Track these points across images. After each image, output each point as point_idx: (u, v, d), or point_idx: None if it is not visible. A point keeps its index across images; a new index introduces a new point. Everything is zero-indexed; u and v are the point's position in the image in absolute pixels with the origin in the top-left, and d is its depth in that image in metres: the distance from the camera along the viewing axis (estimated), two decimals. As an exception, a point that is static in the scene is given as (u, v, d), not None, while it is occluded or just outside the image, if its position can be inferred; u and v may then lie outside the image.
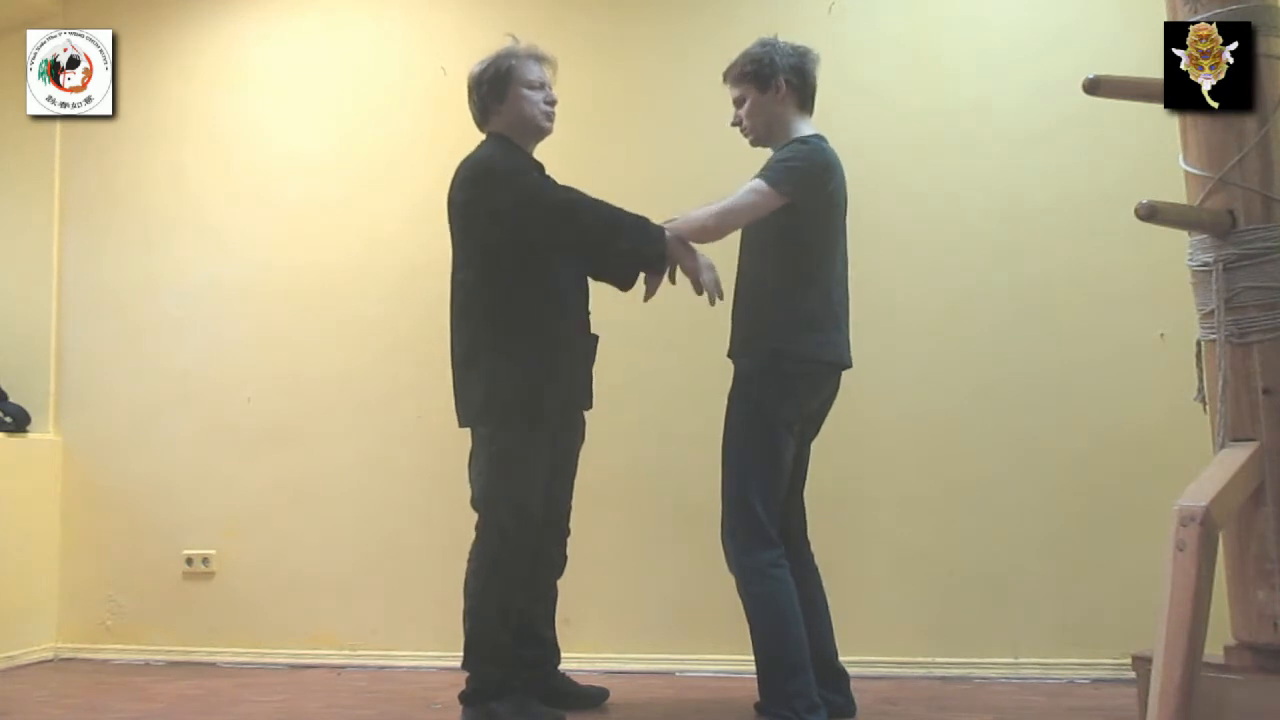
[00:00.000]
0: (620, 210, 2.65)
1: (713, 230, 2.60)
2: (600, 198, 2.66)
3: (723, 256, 2.68)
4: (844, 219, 2.66)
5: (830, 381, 2.67)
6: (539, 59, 2.77)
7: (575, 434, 2.85)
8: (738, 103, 2.72)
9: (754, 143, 2.72)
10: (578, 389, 2.79)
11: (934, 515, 3.28)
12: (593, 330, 2.84)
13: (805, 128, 2.67)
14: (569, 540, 2.87)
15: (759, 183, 2.54)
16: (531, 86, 2.73)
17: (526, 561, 2.66)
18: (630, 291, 2.73)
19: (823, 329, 2.58)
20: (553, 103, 2.78)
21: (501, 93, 2.73)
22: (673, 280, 2.70)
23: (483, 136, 2.80)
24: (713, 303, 2.62)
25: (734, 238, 2.68)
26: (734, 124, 2.74)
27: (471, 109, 2.79)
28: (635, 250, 2.64)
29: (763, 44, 2.68)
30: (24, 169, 3.99)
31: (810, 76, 2.68)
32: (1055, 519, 3.19)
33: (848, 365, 2.67)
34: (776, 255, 2.59)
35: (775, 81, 2.64)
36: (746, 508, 2.54)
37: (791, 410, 2.58)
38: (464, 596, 2.66)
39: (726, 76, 2.73)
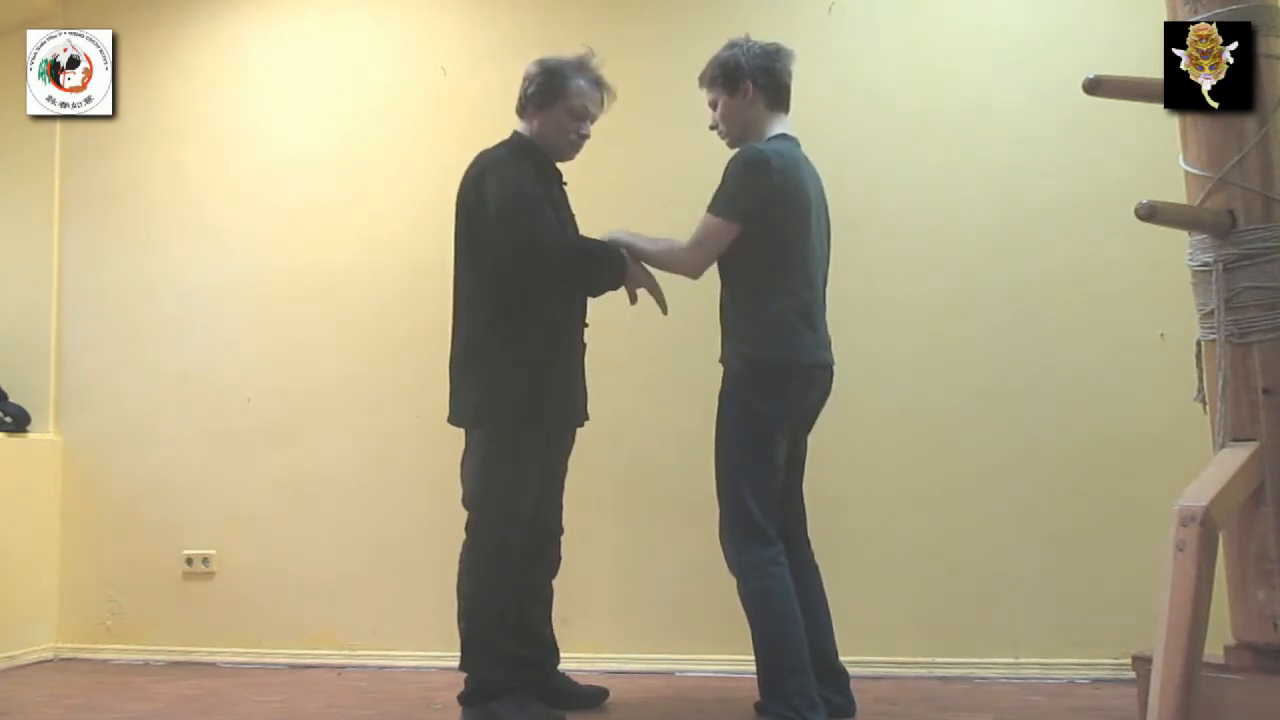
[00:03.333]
0: (587, 241, 2.68)
1: (686, 269, 2.66)
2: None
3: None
4: (808, 217, 2.62)
5: (819, 381, 2.67)
6: (598, 86, 2.75)
7: (567, 436, 2.85)
8: (712, 106, 2.74)
9: (730, 145, 2.72)
10: (575, 395, 2.79)
11: (933, 515, 3.28)
12: (589, 334, 2.84)
13: (778, 127, 2.68)
14: (562, 539, 2.87)
15: (709, 217, 2.58)
16: (573, 114, 2.72)
17: (519, 561, 2.66)
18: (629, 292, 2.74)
19: (794, 330, 2.58)
20: (583, 137, 2.77)
21: (543, 103, 2.72)
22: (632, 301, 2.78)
23: (486, 132, 2.79)
24: (664, 312, 2.74)
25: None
26: (711, 127, 2.76)
27: (518, 94, 2.77)
28: (607, 282, 2.70)
29: (731, 46, 2.69)
30: (24, 169, 3.99)
31: (780, 75, 2.68)
32: (1055, 519, 3.19)
33: (826, 364, 2.67)
34: (743, 260, 2.61)
35: (742, 85, 2.65)
36: (741, 507, 2.55)
37: (779, 411, 2.58)
38: (458, 597, 2.66)
39: (700, 81, 2.75)
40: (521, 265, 2.61)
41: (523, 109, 2.76)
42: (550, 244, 2.62)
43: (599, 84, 2.76)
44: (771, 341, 2.57)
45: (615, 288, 2.71)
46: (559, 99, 2.71)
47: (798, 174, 2.60)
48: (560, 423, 2.78)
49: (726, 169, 2.59)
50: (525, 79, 2.75)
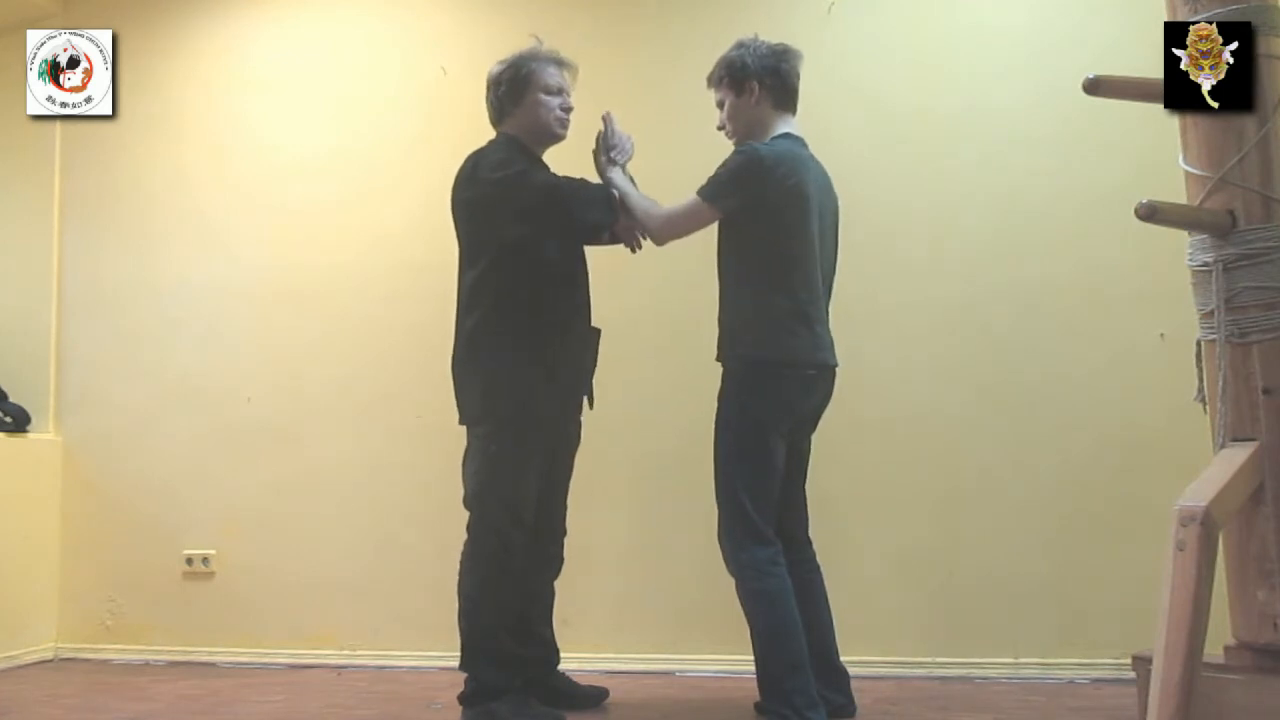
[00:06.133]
0: (591, 184, 2.75)
1: (654, 235, 2.70)
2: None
3: (705, 261, 2.72)
4: (808, 218, 2.61)
5: (820, 383, 2.66)
6: (560, 64, 2.79)
7: (571, 436, 2.86)
8: (719, 106, 2.75)
9: (737, 145, 2.72)
10: (576, 390, 2.80)
11: (934, 515, 3.28)
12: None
13: (784, 127, 2.68)
14: (565, 540, 2.87)
15: (694, 197, 2.60)
16: (549, 92, 2.75)
17: (520, 561, 2.66)
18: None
19: (790, 331, 2.58)
20: (568, 110, 2.79)
21: (518, 96, 2.75)
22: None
23: (485, 132, 2.81)
24: (633, 251, 2.84)
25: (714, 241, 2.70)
26: (719, 127, 2.77)
27: (488, 107, 2.81)
28: (609, 214, 2.75)
29: (739, 46, 2.70)
30: (24, 169, 3.99)
31: (787, 76, 2.68)
32: (1055, 519, 3.19)
33: (826, 365, 2.66)
34: (741, 258, 2.62)
35: (749, 84, 2.66)
36: (738, 507, 2.55)
37: (776, 411, 2.58)
38: (458, 597, 2.66)
39: (709, 81, 2.76)
40: (546, 212, 2.65)
41: (500, 112, 2.79)
42: (557, 184, 2.70)
43: (560, 61, 2.80)
44: (767, 341, 2.57)
45: (609, 224, 2.75)
46: (531, 85, 2.74)
47: (798, 174, 2.59)
48: (563, 416, 2.78)
49: (724, 161, 2.61)
50: (492, 84, 2.78)
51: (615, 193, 2.75)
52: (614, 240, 2.84)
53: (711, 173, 2.60)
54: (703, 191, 2.60)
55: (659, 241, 2.72)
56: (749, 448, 2.57)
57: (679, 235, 2.68)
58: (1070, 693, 2.99)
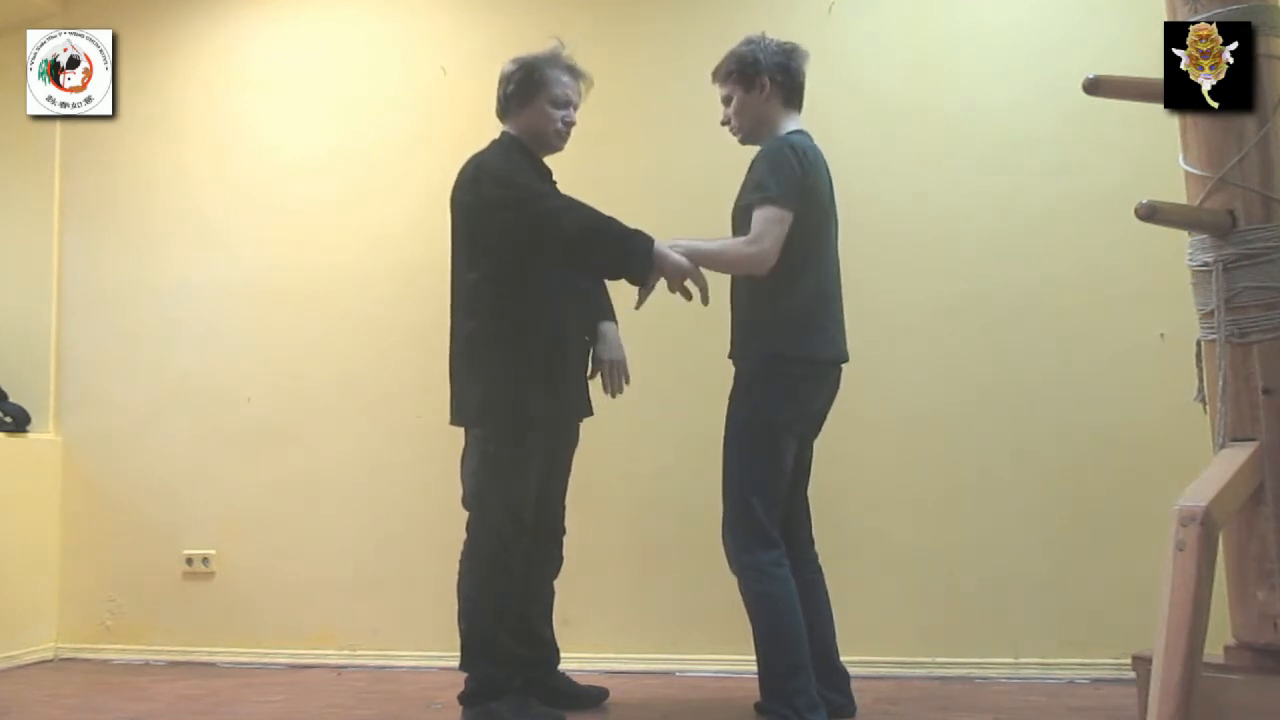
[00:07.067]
0: (608, 222, 2.56)
1: (758, 259, 2.50)
2: (596, 206, 2.61)
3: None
4: (828, 212, 2.63)
5: (830, 379, 2.67)
6: (574, 74, 2.77)
7: (570, 436, 2.86)
8: (725, 101, 2.74)
9: (742, 140, 2.73)
10: (575, 394, 2.80)
11: (934, 515, 3.28)
12: (590, 335, 2.85)
13: (791, 124, 2.67)
14: (564, 540, 2.88)
15: (764, 210, 2.48)
16: (555, 103, 2.74)
17: (519, 561, 2.66)
18: (632, 289, 2.75)
19: (816, 326, 2.58)
20: (570, 124, 2.78)
21: (525, 99, 2.74)
22: (671, 290, 2.63)
23: (486, 132, 2.81)
24: (705, 303, 2.57)
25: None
26: (723, 123, 2.76)
27: (496, 100, 2.80)
28: (617, 266, 2.59)
29: (748, 42, 2.69)
30: (24, 169, 3.99)
31: (797, 74, 2.68)
32: (1055, 519, 3.19)
33: (844, 359, 2.67)
34: None
35: (760, 80, 2.65)
36: (746, 508, 2.55)
37: (791, 411, 2.58)
38: (458, 597, 2.66)
39: (715, 76, 2.75)
40: (536, 245, 2.60)
41: (505, 110, 2.79)
42: (561, 215, 2.58)
43: (575, 72, 2.78)
44: (794, 336, 2.56)
45: (643, 271, 2.53)
46: (540, 92, 2.73)
47: (819, 169, 2.61)
48: (561, 421, 2.79)
49: (756, 162, 2.57)
50: (503, 80, 2.77)
51: (655, 245, 2.52)
52: (673, 289, 2.58)
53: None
54: (768, 199, 2.48)
55: (763, 268, 2.49)
56: (761, 448, 2.56)
57: (777, 251, 2.48)
58: (1070, 693, 3.00)
